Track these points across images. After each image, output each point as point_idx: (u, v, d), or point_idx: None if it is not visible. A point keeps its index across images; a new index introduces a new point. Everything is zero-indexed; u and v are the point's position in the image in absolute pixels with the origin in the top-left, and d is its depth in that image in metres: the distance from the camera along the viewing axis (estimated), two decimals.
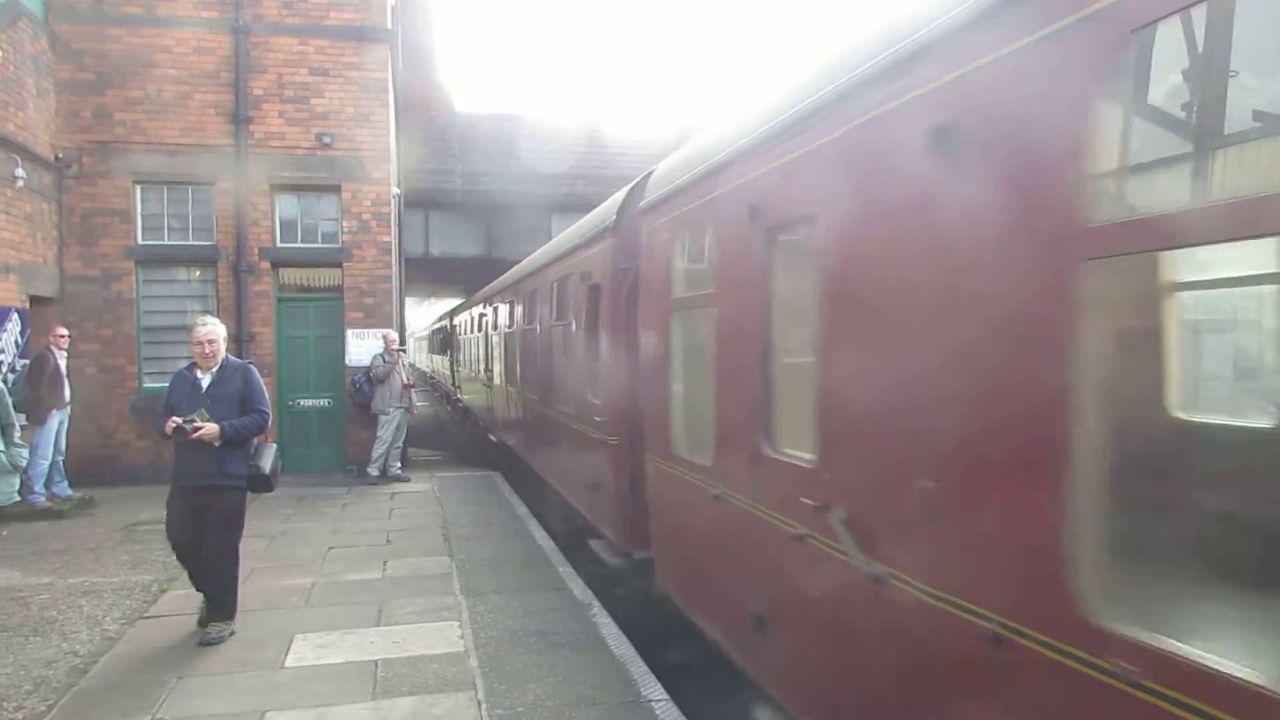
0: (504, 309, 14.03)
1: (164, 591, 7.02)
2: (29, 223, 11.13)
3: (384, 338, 12.94)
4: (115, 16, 12.36)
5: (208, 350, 5.88)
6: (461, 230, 20.20)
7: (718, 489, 4.55)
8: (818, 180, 3.47)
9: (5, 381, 9.90)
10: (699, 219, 4.97)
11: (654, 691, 5.07)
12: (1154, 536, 2.56)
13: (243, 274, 12.68)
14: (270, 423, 6.06)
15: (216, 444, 5.69)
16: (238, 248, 12.67)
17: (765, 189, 3.96)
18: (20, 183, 10.61)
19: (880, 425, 3.01)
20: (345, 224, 13.13)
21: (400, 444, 13.19)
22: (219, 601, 5.96)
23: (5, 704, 4.88)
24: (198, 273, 12.98)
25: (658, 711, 4.82)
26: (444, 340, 28.07)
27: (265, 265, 12.92)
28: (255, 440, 5.99)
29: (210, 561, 5.90)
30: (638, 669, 5.42)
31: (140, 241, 12.61)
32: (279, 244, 13.08)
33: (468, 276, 25.83)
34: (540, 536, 9.24)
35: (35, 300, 11.18)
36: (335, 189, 13.09)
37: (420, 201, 18.75)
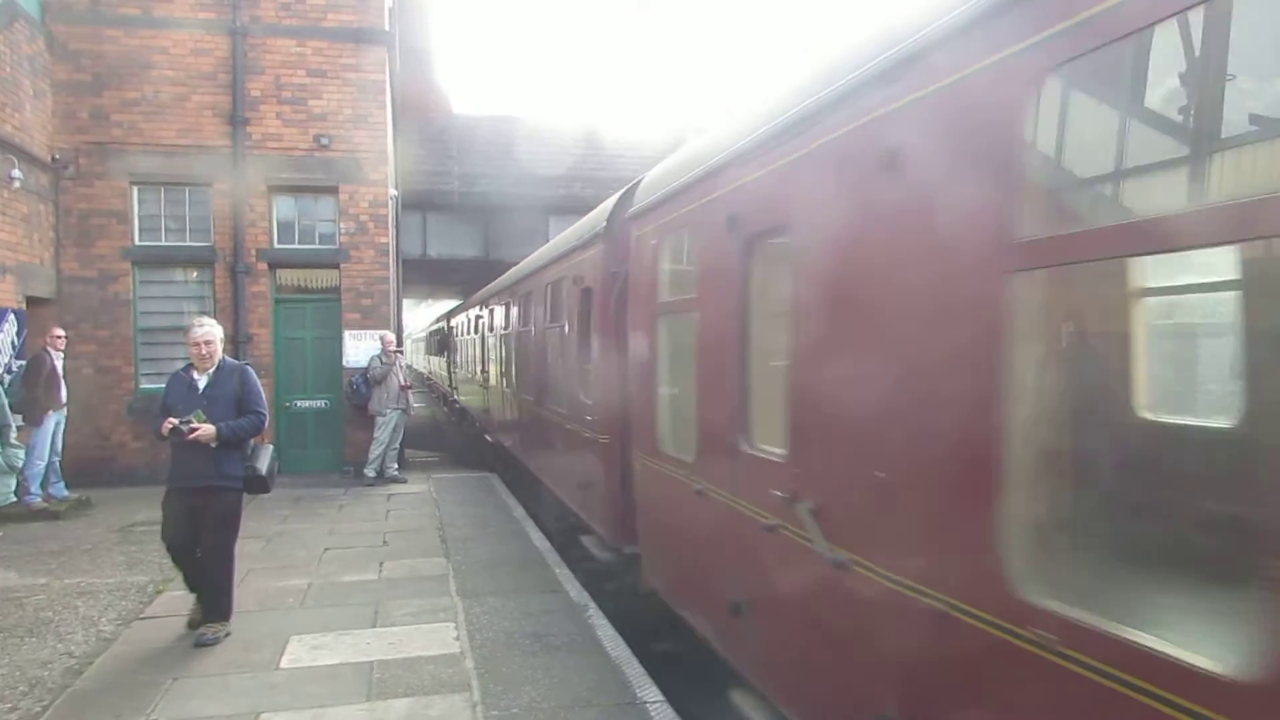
0: (500, 311, 14.09)
1: (160, 592, 7.02)
2: (26, 223, 11.12)
3: (381, 339, 12.94)
4: (112, 18, 12.36)
5: (204, 351, 5.89)
6: (459, 232, 20.22)
7: (699, 484, 4.72)
8: (787, 193, 3.70)
9: (2, 382, 9.89)
10: (683, 226, 5.18)
11: (649, 693, 5.08)
12: (1072, 521, 2.82)
13: (240, 275, 12.68)
14: (267, 424, 6.07)
15: (213, 445, 5.69)
16: (235, 249, 12.67)
17: (742, 200, 4.18)
18: (17, 184, 10.62)
19: (841, 421, 3.24)
20: (343, 225, 13.14)
21: (397, 445, 13.19)
22: (214, 603, 5.96)
23: (0, 705, 4.88)
24: (195, 274, 12.98)
25: (653, 713, 4.83)
26: (441, 342, 28.09)
27: (262, 266, 12.92)
28: (252, 441, 5.99)
29: (206, 562, 5.90)
30: (633, 671, 5.43)
31: (137, 242, 12.61)
32: (276, 245, 13.08)
33: (465, 278, 25.85)
34: (537, 538, 9.25)
35: (32, 301, 11.18)
36: (333, 190, 13.10)
37: (418, 203, 18.76)
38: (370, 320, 13.23)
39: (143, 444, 12.08)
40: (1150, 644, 1.93)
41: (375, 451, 12.71)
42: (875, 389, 2.97)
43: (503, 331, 13.63)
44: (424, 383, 38.60)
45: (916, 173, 2.75)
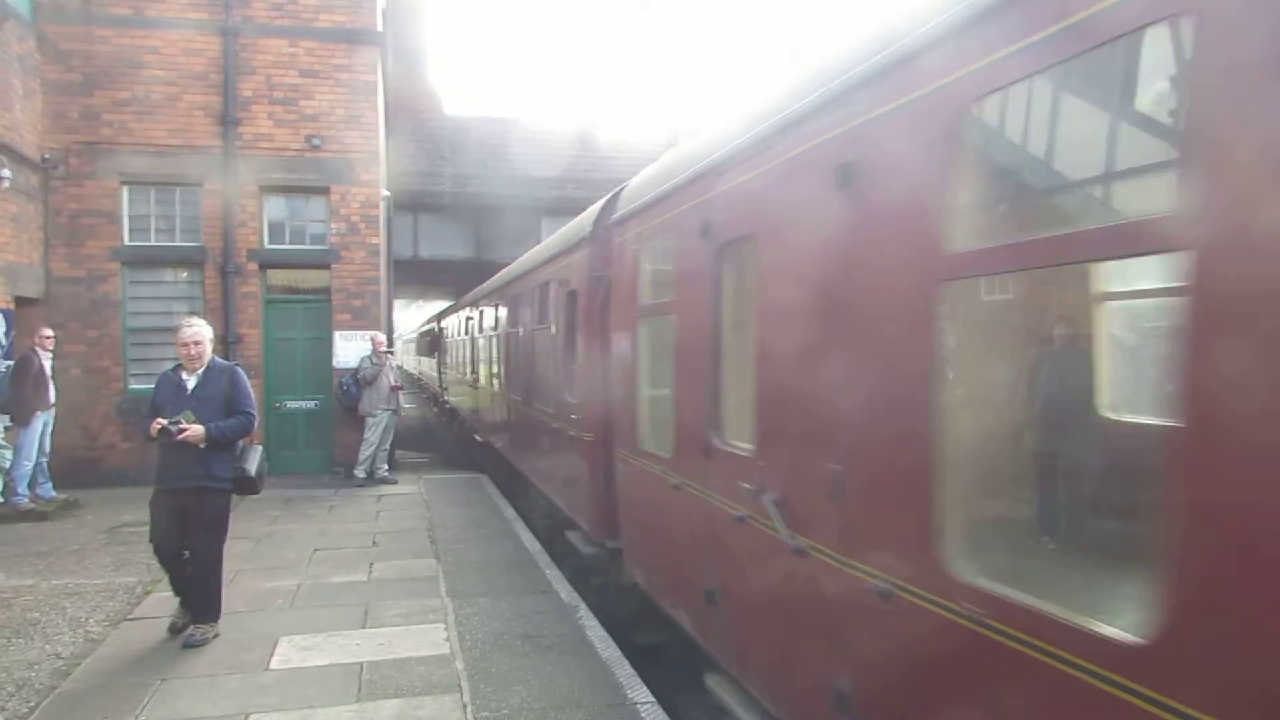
0: (489, 312, 14.16)
1: (148, 593, 6.99)
2: (14, 223, 11.07)
3: (372, 340, 12.93)
4: (103, 17, 12.31)
5: (193, 351, 5.87)
6: (450, 233, 20.18)
7: (676, 479, 4.96)
8: (753, 205, 3.99)
9: None
10: (661, 233, 5.42)
11: (640, 694, 5.09)
12: (996, 507, 3.12)
13: (230, 275, 12.64)
14: (256, 425, 6.05)
15: (202, 446, 5.68)
16: (225, 249, 12.64)
17: (714, 210, 4.44)
18: (6, 183, 10.55)
19: (800, 417, 3.52)
20: (334, 226, 13.12)
21: (387, 446, 13.18)
22: (203, 604, 5.94)
23: None
24: (184, 274, 12.93)
25: (643, 715, 4.84)
26: (432, 342, 28.07)
27: (253, 267, 12.89)
28: (241, 442, 5.98)
29: (195, 564, 5.89)
30: (624, 672, 5.44)
31: (127, 242, 12.56)
32: (267, 245, 13.05)
33: (456, 279, 25.81)
34: (527, 539, 9.26)
35: (20, 301, 11.11)
36: (324, 191, 13.08)
37: (409, 204, 18.73)
38: (361, 321, 13.21)
39: (131, 445, 12.03)
40: (1057, 613, 2.18)
41: (365, 452, 12.69)
42: (828, 387, 3.24)
43: (492, 333, 13.70)
44: (414, 383, 38.55)
45: (860, 191, 3.02)
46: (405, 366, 43.01)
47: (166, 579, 6.12)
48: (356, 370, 12.75)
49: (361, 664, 5.50)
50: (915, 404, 2.70)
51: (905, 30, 2.79)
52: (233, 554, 6.73)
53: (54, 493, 10.54)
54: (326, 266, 13.18)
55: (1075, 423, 3.71)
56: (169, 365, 6.13)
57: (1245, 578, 1.72)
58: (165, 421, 5.61)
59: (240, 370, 6.13)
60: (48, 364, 10.37)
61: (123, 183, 12.48)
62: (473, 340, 16.54)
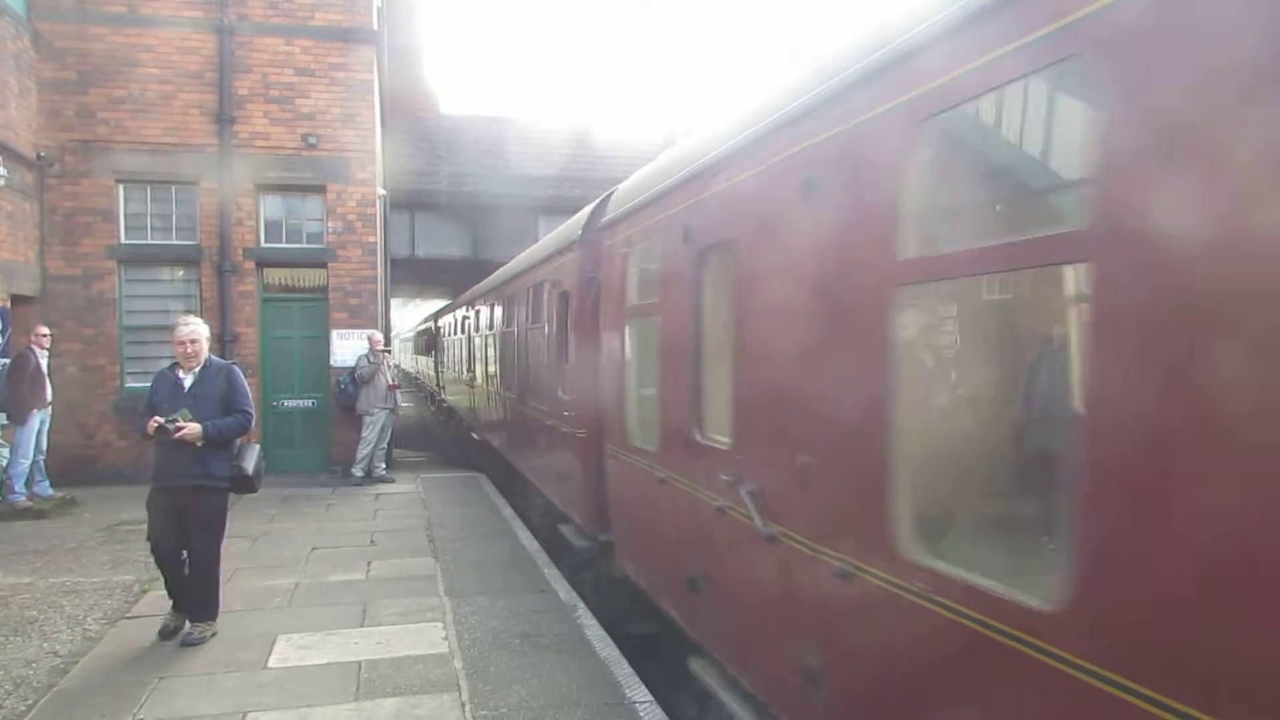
0: (485, 312, 14.19)
1: (145, 592, 6.99)
2: (10, 221, 11.04)
3: (369, 338, 12.92)
4: (98, 15, 12.27)
5: (189, 350, 5.86)
6: (447, 232, 20.17)
7: (662, 473, 5.17)
8: (730, 212, 4.22)
9: None
10: (647, 237, 5.63)
11: (638, 693, 5.10)
12: (945, 494, 3.34)
13: (226, 274, 12.62)
14: (254, 423, 6.05)
15: (199, 444, 5.67)
16: (221, 247, 12.61)
17: (695, 216, 4.67)
18: (1, 181, 10.52)
19: (773, 411, 3.74)
20: (330, 225, 13.10)
21: (385, 445, 13.16)
22: (201, 602, 5.94)
23: None
24: (181, 272, 12.91)
25: (642, 714, 4.85)
26: (428, 341, 28.05)
27: (249, 265, 12.87)
28: (238, 441, 5.97)
29: (192, 562, 5.88)
30: (622, 671, 5.45)
31: (123, 241, 12.53)
32: (263, 244, 13.03)
33: (453, 278, 25.77)
34: (525, 538, 9.26)
35: (16, 299, 11.09)
36: (320, 189, 13.06)
37: (406, 203, 18.71)
38: (358, 320, 13.20)
39: (128, 443, 12.01)
40: (990, 587, 2.43)
41: (363, 451, 12.68)
42: (797, 384, 3.48)
43: (488, 332, 13.73)
44: (412, 382, 38.50)
45: (822, 202, 3.25)
46: (403, 365, 42.96)
47: (163, 579, 6.11)
48: (354, 369, 12.73)
49: (360, 663, 5.50)
50: (872, 400, 2.90)
51: (838, 68, 3.14)
52: (230, 552, 6.72)
53: (51, 491, 10.52)
54: (323, 265, 13.16)
55: (1009, 418, 3.93)
56: (166, 363, 6.12)
57: (1139, 555, 1.94)
58: (162, 420, 5.60)
59: (237, 369, 6.13)
60: (44, 362, 10.36)
61: (118, 181, 12.45)
62: (469, 339, 16.57)
